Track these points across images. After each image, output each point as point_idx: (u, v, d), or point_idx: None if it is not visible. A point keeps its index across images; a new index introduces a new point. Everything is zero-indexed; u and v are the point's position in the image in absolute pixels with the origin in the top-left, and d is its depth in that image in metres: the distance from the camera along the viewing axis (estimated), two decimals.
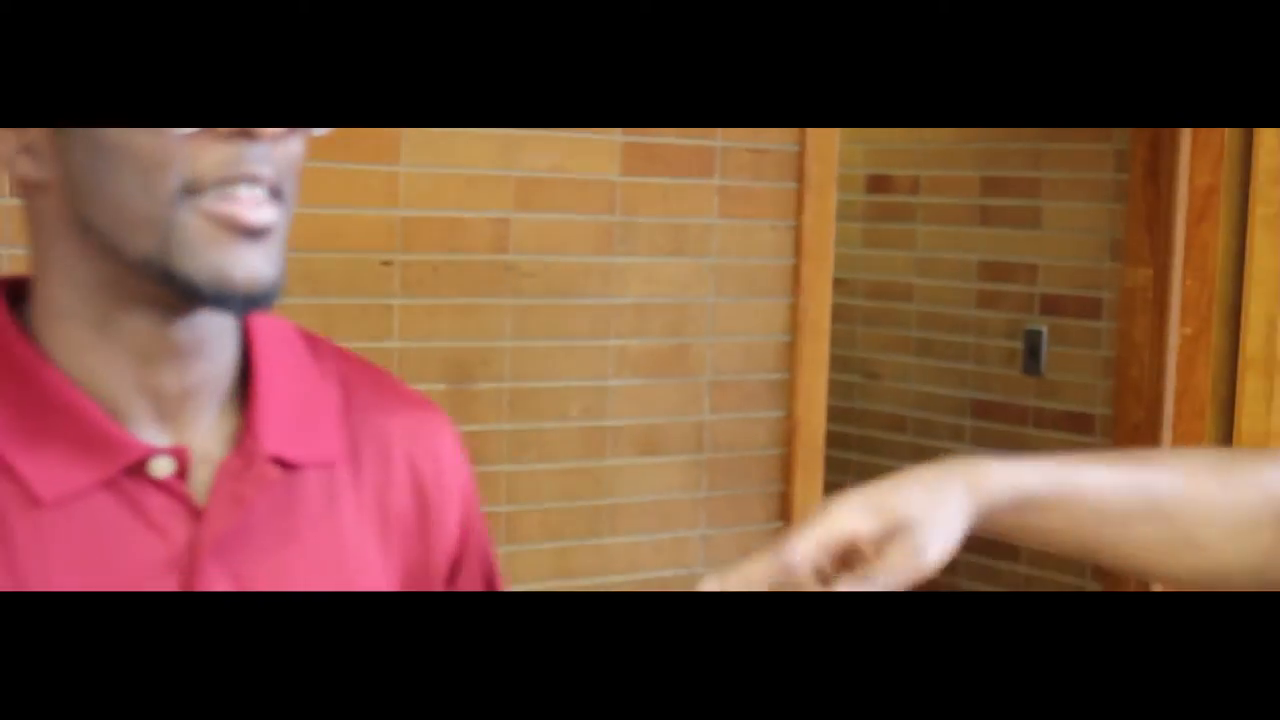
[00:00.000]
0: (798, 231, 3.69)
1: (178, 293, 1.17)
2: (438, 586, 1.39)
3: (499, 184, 3.34)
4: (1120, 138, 4.24)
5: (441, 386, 3.29)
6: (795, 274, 3.69)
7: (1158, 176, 3.79)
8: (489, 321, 3.35)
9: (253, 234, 1.16)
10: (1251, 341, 3.06)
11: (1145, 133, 3.95)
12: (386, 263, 3.18)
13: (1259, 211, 3.04)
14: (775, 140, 3.65)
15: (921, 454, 4.79)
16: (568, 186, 3.42)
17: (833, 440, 4.47)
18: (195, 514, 1.22)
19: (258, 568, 1.24)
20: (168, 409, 1.24)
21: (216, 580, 1.22)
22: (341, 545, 1.30)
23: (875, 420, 4.89)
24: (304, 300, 2.99)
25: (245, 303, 1.18)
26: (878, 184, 4.89)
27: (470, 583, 1.42)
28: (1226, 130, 3.18)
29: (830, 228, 3.73)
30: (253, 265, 1.17)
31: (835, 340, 4.43)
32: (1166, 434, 3.46)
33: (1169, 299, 3.69)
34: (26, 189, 1.21)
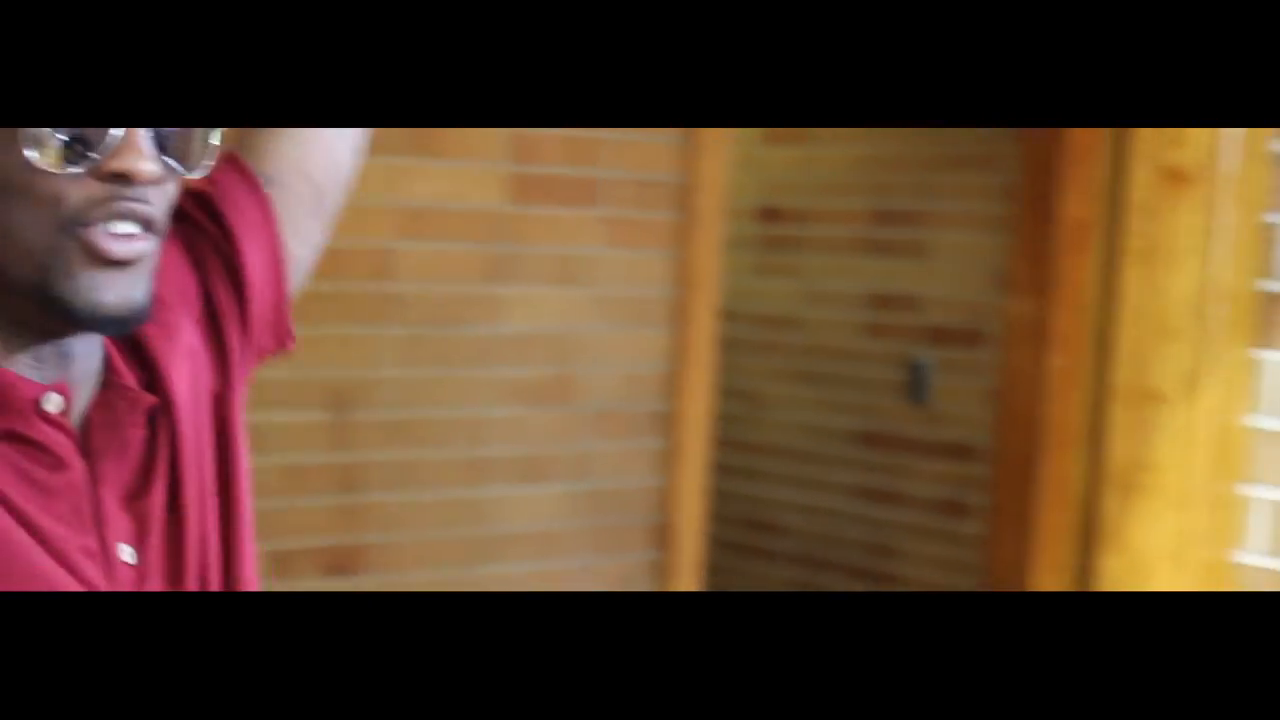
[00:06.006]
0: (683, 262, 3.70)
1: (57, 316, 1.35)
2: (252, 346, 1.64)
3: (383, 214, 3.33)
4: (1006, 170, 4.27)
5: (322, 416, 3.27)
6: (680, 304, 3.70)
7: (1039, 209, 3.82)
8: (371, 351, 3.34)
9: (121, 265, 1.34)
10: (1121, 373, 3.09)
11: (1029, 165, 3.98)
12: None
13: (1130, 245, 3.07)
14: (662, 171, 3.66)
15: (806, 484, 4.81)
16: (453, 216, 3.42)
17: (718, 470, 4.49)
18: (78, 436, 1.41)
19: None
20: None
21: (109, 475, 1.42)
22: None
23: (761, 450, 4.91)
24: None
25: (116, 324, 1.37)
26: (768, 215, 4.91)
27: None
28: (1099, 163, 3.22)
29: (716, 258, 3.74)
30: (122, 291, 1.35)
31: (724, 370, 4.44)
32: (1042, 464, 3.49)
33: (1049, 330, 3.72)
34: None
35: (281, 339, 1.69)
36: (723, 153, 3.76)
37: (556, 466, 3.57)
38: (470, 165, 3.42)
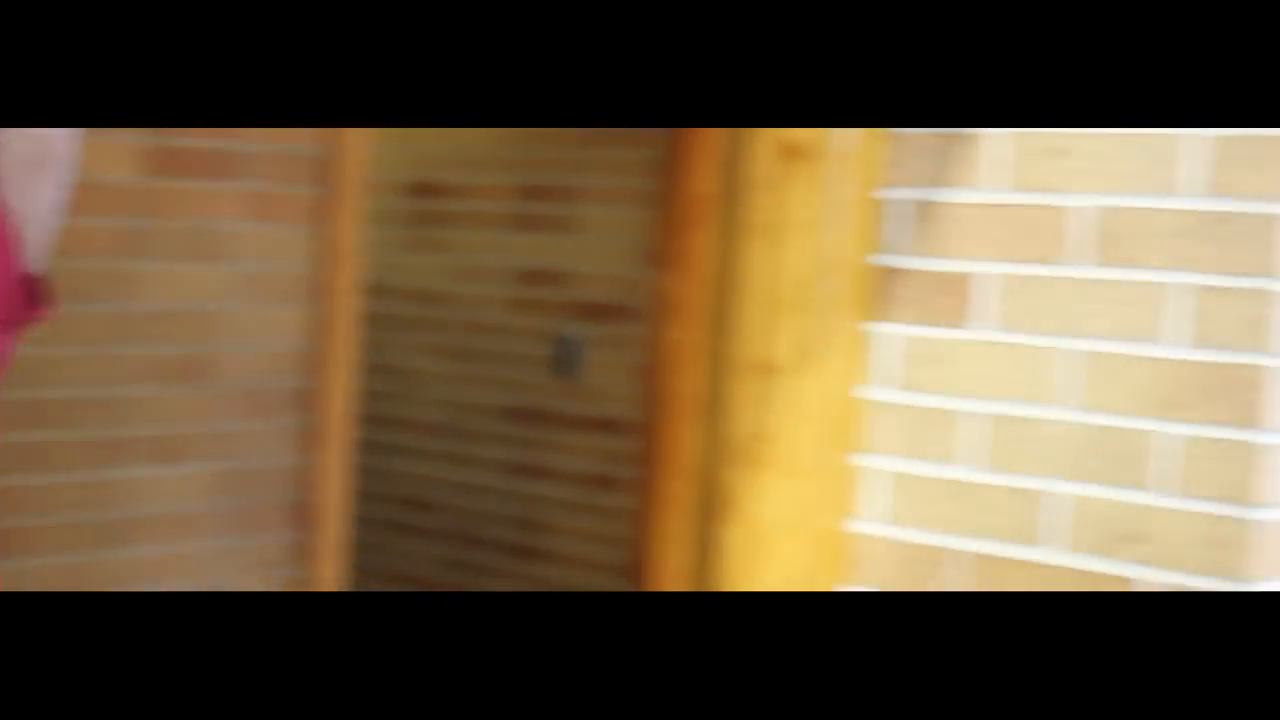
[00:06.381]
0: (325, 237, 3.67)
1: None
2: None
3: None
4: (652, 146, 4.34)
5: None
6: (321, 280, 3.67)
7: (674, 184, 3.88)
8: None
9: None
10: (740, 345, 3.16)
11: (671, 140, 4.04)
12: None
13: (749, 219, 3.14)
14: (305, 144, 3.62)
15: (457, 460, 4.82)
16: (88, 190, 3.33)
17: (368, 448, 4.47)
18: None
19: None
20: None
21: None
22: None
23: (411, 427, 4.90)
24: None
25: None
26: (418, 190, 4.90)
27: None
28: (721, 139, 3.29)
29: (359, 233, 3.71)
30: None
31: (373, 347, 4.42)
32: (669, 437, 3.56)
33: (676, 304, 3.79)
34: None
35: (24, 308, 1.57)
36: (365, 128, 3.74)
37: (195, 446, 3.51)
38: (106, 137, 3.34)
